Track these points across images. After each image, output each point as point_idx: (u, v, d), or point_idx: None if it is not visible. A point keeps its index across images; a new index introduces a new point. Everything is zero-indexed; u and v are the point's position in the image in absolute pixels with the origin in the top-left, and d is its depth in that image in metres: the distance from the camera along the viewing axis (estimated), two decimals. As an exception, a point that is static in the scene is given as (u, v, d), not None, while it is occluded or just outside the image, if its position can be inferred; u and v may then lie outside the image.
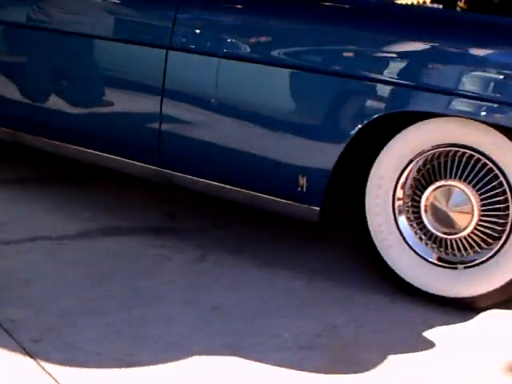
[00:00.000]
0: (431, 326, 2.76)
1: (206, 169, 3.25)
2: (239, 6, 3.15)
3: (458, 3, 3.51)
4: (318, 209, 3.00)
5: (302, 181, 2.98)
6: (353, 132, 2.84)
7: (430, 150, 2.87)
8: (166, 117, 3.24)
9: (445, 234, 2.89)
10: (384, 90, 2.80)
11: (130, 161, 3.38)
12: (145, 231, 3.51)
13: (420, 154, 2.88)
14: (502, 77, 2.62)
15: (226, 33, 3.10)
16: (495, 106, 2.62)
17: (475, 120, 2.70)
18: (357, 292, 3.00)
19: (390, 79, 2.78)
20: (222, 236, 3.50)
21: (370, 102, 2.83)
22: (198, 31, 3.18)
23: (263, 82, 3.04)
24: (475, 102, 2.66)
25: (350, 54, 2.88)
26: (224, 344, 2.57)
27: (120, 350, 2.50)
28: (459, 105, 2.69)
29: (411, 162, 2.91)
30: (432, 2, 3.45)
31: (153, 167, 3.33)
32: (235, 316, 2.77)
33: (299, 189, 3.00)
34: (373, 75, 2.80)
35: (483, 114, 2.66)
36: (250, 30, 3.09)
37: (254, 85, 3.07)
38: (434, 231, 2.90)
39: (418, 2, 3.43)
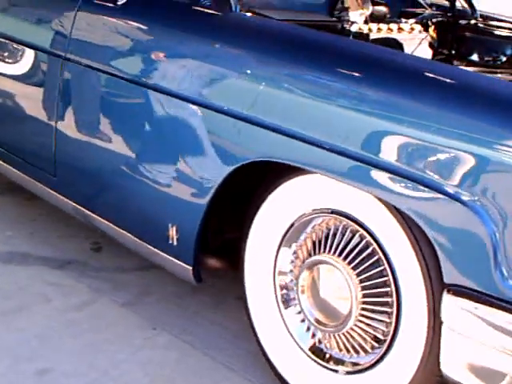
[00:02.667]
0: None
1: (92, 200, 2.79)
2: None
3: (429, 31, 2.84)
4: (189, 268, 2.45)
5: (172, 232, 2.45)
6: (218, 180, 2.27)
7: (310, 215, 2.24)
8: (59, 137, 2.81)
9: (321, 325, 2.24)
10: (246, 131, 2.20)
11: (32, 179, 2.99)
12: (51, 262, 3.10)
13: (301, 217, 2.26)
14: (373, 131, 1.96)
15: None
16: (367, 167, 1.96)
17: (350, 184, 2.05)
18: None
19: (251, 118, 2.18)
20: (132, 281, 3.03)
21: (232, 145, 2.25)
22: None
23: (135, 111, 2.53)
24: (345, 159, 2.01)
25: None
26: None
27: None
28: (328, 161, 2.05)
29: (292, 226, 2.29)
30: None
31: (49, 189, 2.91)
32: None
33: (170, 241, 2.47)
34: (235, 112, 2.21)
35: (355, 176, 2.01)
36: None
37: (125, 114, 2.57)
38: (312, 321, 2.26)
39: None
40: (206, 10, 2.48)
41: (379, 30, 2.83)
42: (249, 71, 2.21)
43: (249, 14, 2.47)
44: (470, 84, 1.93)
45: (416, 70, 2.03)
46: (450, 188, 1.83)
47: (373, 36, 2.80)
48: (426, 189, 1.86)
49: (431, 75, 1.98)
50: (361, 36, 2.78)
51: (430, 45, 2.82)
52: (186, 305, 2.89)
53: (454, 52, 2.70)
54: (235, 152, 2.22)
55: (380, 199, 2.01)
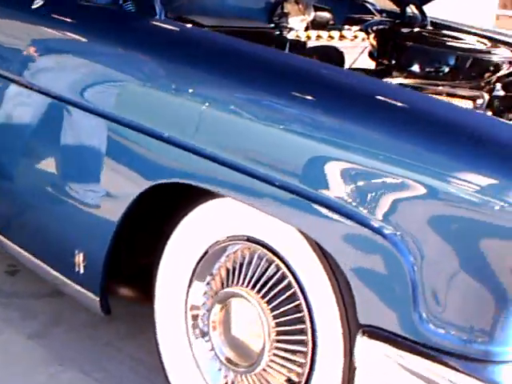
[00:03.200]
0: None
1: (2, 225, 2.58)
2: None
3: (370, 39, 2.69)
4: (97, 298, 2.25)
5: (79, 258, 2.25)
6: (126, 203, 2.08)
7: (225, 242, 2.06)
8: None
9: (232, 364, 2.05)
10: (154, 150, 2.02)
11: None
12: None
13: (215, 245, 2.08)
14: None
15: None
16: (278, 192, 1.79)
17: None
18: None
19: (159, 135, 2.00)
20: (44, 308, 2.81)
21: (141, 165, 2.06)
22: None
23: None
24: (255, 182, 1.83)
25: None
26: None
27: None
28: (238, 183, 1.88)
29: (206, 254, 2.10)
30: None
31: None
32: None
33: (77, 269, 2.27)
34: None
35: (266, 202, 1.84)
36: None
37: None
38: (223, 360, 2.07)
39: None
40: (128, 16, 2.30)
41: (319, 37, 2.68)
42: (161, 83, 2.02)
43: (173, 21, 2.29)
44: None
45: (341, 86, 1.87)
46: (367, 218, 1.66)
47: (311, 44, 2.65)
48: (340, 218, 1.69)
49: (358, 91, 1.82)
50: (298, 44, 2.62)
51: (370, 54, 2.66)
52: (98, 335, 2.69)
53: (393, 62, 2.54)
54: (144, 173, 2.04)
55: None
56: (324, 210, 1.71)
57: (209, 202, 2.01)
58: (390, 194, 1.64)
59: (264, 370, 1.98)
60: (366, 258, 1.68)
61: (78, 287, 2.29)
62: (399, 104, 1.75)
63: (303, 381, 1.93)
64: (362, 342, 1.70)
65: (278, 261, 1.93)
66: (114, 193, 2.11)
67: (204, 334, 2.13)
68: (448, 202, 1.58)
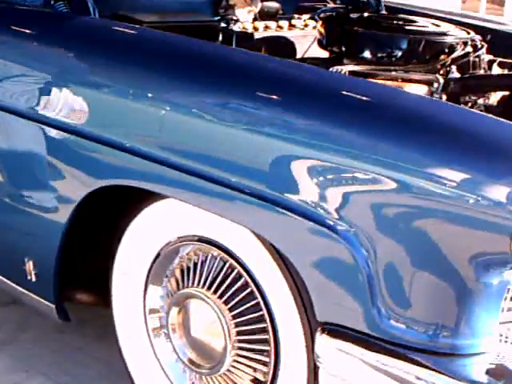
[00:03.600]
0: None
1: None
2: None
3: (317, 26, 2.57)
4: (52, 306, 2.16)
5: (29, 266, 2.16)
6: (70, 208, 1.98)
7: (176, 243, 1.96)
8: None
9: (195, 366, 1.97)
10: (94, 153, 1.92)
11: None
12: None
13: (167, 246, 1.98)
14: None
15: None
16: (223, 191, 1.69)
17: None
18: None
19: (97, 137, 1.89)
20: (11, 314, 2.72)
21: (82, 169, 1.96)
22: None
23: None
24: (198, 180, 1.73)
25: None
26: None
27: None
28: (180, 184, 1.78)
29: (159, 256, 2.01)
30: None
31: None
32: None
33: (28, 277, 2.17)
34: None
35: (212, 202, 1.75)
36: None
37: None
38: (185, 362, 1.99)
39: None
40: (61, 16, 2.18)
41: (267, 28, 2.56)
42: (100, 84, 1.92)
43: (107, 20, 2.17)
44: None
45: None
46: (319, 216, 1.58)
47: (258, 35, 2.53)
48: (292, 216, 1.60)
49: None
50: (245, 36, 2.51)
51: (319, 42, 2.55)
52: (67, 340, 2.61)
53: (344, 49, 2.42)
54: (86, 177, 1.94)
55: (248, 225, 1.74)
56: (275, 209, 1.63)
57: (157, 203, 1.93)
58: (342, 190, 1.56)
59: (228, 370, 1.91)
60: (319, 255, 1.61)
61: (33, 295, 2.20)
62: (355, 97, 1.65)
63: (269, 380, 1.85)
64: (321, 339, 1.63)
65: (231, 260, 1.85)
66: (58, 198, 2.02)
67: (165, 337, 2.03)
68: (400, 196, 1.50)
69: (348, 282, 1.58)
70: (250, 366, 1.89)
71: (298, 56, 2.56)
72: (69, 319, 2.21)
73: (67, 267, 2.12)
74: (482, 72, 2.36)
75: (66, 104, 1.95)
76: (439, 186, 1.45)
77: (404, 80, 2.18)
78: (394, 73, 2.25)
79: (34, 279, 2.16)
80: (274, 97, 1.69)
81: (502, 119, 1.57)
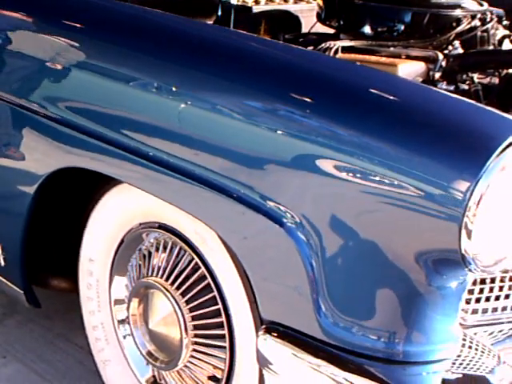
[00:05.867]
0: None
1: None
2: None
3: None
4: (21, 291, 2.10)
5: (-3, 250, 2.10)
6: (31, 191, 1.91)
7: (138, 230, 1.87)
8: None
9: (153, 359, 1.89)
10: (51, 134, 1.84)
11: None
12: None
13: (130, 233, 1.90)
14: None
15: None
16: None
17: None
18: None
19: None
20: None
21: (39, 150, 1.88)
22: None
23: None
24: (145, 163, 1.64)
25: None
26: None
27: None
28: (131, 169, 1.69)
29: (122, 244, 1.93)
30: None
31: None
32: None
33: (-1, 261, 2.12)
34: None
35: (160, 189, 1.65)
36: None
37: None
38: (145, 355, 1.91)
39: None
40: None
41: (269, 0, 2.44)
42: (58, 61, 1.82)
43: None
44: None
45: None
46: (263, 206, 1.46)
47: (257, 9, 2.42)
48: (235, 205, 1.50)
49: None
50: (243, 9, 2.40)
51: (318, 16, 2.41)
52: (51, 326, 2.55)
53: (342, 23, 2.27)
54: (44, 160, 1.87)
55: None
56: (219, 197, 1.52)
57: (117, 188, 1.84)
58: (288, 179, 1.44)
59: (186, 366, 1.82)
60: (263, 249, 1.50)
61: (4, 280, 2.14)
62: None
63: (224, 377, 1.75)
64: (263, 339, 1.51)
65: (190, 251, 1.74)
66: (18, 182, 1.94)
67: (129, 329, 1.95)
68: (347, 186, 1.37)
69: (291, 280, 1.46)
70: (207, 363, 1.79)
71: (304, 31, 2.44)
72: (39, 305, 2.15)
73: (37, 252, 2.05)
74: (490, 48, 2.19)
75: (26, 81, 1.88)
76: (386, 175, 1.32)
77: (396, 56, 2.04)
78: (391, 49, 2.11)
79: (3, 263, 2.10)
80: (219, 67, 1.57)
81: (455, 99, 1.42)
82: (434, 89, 1.55)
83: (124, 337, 2.00)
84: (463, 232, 1.26)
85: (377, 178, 1.33)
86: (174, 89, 1.59)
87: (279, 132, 1.43)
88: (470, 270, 1.32)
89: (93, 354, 2.09)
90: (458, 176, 1.27)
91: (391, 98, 1.38)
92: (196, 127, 1.56)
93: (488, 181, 1.26)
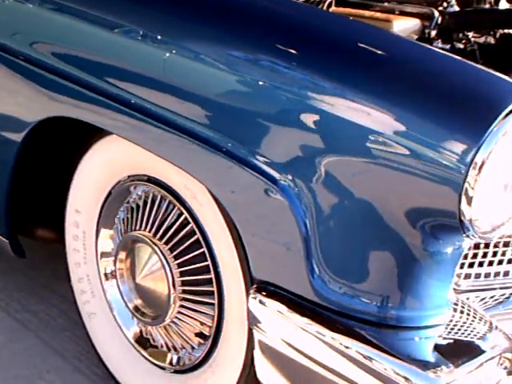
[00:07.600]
0: None
1: None
2: None
3: None
4: (6, 240, 2.06)
5: (-19, 200, 2.05)
6: (17, 140, 1.86)
7: (126, 182, 1.83)
8: None
9: (140, 314, 1.86)
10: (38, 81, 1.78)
11: None
12: None
13: (118, 186, 1.86)
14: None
15: None
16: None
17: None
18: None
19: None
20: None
21: (27, 98, 1.83)
22: None
23: None
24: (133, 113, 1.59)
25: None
26: None
27: None
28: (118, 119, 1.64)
29: (110, 196, 1.89)
30: None
31: None
32: None
33: (-18, 211, 2.07)
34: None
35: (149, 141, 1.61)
36: None
37: None
38: (131, 309, 1.88)
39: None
40: None
41: None
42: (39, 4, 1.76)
43: None
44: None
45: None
46: (256, 163, 1.43)
47: None
48: (227, 161, 1.46)
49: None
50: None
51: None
52: (35, 276, 2.52)
53: None
54: (31, 108, 1.81)
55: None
56: (206, 150, 1.47)
57: (105, 138, 1.79)
58: (281, 137, 1.41)
59: (173, 322, 1.79)
60: (254, 204, 1.46)
61: (-13, 231, 2.10)
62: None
63: (212, 334, 1.73)
64: (253, 297, 1.49)
65: (179, 205, 1.71)
66: (5, 129, 1.89)
67: (116, 282, 1.93)
68: (342, 145, 1.34)
69: (283, 238, 1.43)
70: (195, 319, 1.77)
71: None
72: (24, 255, 2.11)
73: (23, 202, 2.01)
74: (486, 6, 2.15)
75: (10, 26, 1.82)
76: (383, 133, 1.29)
77: (391, 12, 1.99)
78: (386, 4, 2.06)
79: (-14, 213, 2.06)
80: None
81: (455, 60, 1.38)
82: (433, 48, 1.51)
83: (110, 290, 1.97)
84: (463, 198, 1.23)
85: (372, 138, 1.29)
86: (159, 37, 1.54)
87: (263, 83, 1.39)
88: (467, 236, 1.29)
89: (78, 306, 2.06)
90: (460, 140, 1.23)
91: (384, 53, 1.34)
92: (180, 76, 1.52)
93: (490, 146, 1.22)
